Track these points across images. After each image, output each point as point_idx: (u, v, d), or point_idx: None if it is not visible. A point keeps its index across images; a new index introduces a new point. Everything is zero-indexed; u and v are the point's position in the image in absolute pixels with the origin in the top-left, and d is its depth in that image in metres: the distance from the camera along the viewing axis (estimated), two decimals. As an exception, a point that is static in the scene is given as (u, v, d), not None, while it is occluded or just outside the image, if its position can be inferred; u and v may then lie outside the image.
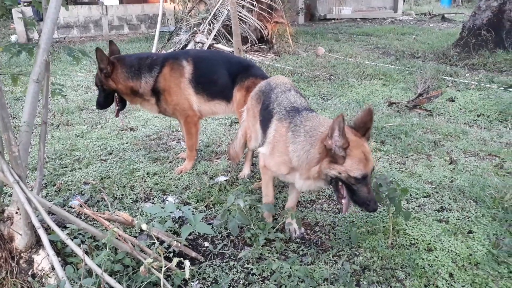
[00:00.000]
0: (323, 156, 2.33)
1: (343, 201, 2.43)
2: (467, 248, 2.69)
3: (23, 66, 8.83)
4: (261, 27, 9.81)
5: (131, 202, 3.36)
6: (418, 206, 3.24)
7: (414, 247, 2.73)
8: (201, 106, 3.87)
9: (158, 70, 3.73)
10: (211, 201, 3.39)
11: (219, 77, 3.81)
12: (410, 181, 3.57)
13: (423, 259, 2.60)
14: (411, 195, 3.37)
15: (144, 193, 3.53)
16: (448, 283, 2.40)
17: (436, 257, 2.62)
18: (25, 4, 13.33)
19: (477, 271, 2.48)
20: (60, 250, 2.55)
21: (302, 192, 3.41)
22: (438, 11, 20.23)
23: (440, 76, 7.27)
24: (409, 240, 2.80)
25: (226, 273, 2.55)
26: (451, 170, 3.80)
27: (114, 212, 2.64)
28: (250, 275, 2.53)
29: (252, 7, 9.74)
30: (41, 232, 2.04)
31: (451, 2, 24.83)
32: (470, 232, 2.87)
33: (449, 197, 3.33)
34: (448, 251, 2.67)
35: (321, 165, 2.35)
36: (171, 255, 2.64)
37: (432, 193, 3.41)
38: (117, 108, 3.97)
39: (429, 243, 2.75)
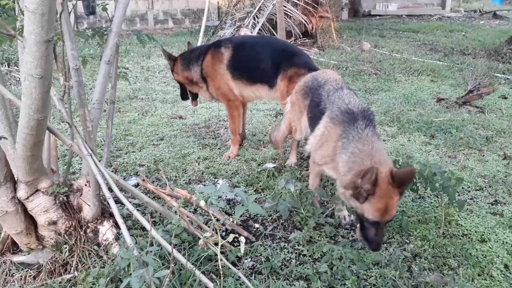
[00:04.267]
0: (350, 187, 2.39)
1: (358, 226, 2.50)
2: (524, 241, 2.64)
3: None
4: (305, 21, 9.79)
5: (185, 184, 3.50)
6: (471, 199, 3.19)
7: (467, 238, 2.71)
8: (242, 91, 3.98)
9: (202, 58, 4.01)
10: (260, 186, 3.48)
11: (260, 63, 3.87)
12: (462, 174, 3.52)
13: (476, 249, 2.58)
14: (463, 187, 3.33)
15: (196, 175, 3.68)
16: (504, 274, 2.38)
17: (490, 248, 2.59)
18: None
19: (534, 263, 2.44)
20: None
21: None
22: (489, 8, 19.41)
23: (491, 73, 7.02)
24: (461, 231, 2.78)
25: (278, 253, 2.63)
26: (505, 166, 3.71)
27: (173, 190, 2.78)
28: (301, 256, 2.60)
29: (297, 1, 9.75)
30: (111, 202, 2.19)
31: (503, -1, 23.74)
32: (526, 226, 2.81)
33: (503, 191, 3.27)
34: (503, 243, 2.64)
35: (345, 192, 2.44)
36: (223, 234, 2.76)
37: (485, 187, 3.35)
38: (189, 97, 4.37)
39: (483, 235, 2.72)
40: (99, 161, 2.39)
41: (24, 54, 1.73)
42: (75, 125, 2.35)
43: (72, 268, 2.40)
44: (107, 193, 2.19)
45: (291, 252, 2.64)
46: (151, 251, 2.20)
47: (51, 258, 2.45)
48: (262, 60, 3.85)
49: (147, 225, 2.18)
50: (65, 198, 2.50)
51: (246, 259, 2.57)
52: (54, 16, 1.67)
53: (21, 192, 2.30)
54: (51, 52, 1.75)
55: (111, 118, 2.54)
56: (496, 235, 2.71)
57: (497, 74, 7.10)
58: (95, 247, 2.52)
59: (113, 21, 2.39)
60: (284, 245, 2.71)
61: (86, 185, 2.56)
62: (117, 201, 2.45)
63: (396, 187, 2.30)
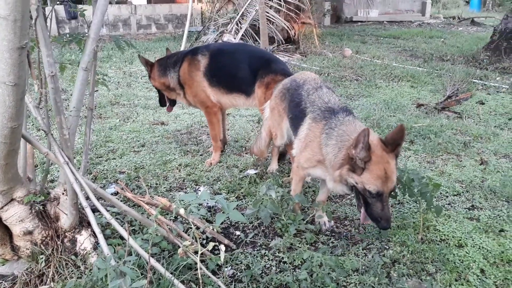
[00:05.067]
0: (345, 163, 2.39)
1: (361, 210, 2.48)
2: (499, 245, 2.69)
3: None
4: (288, 27, 9.87)
5: (165, 191, 3.47)
6: (448, 204, 3.24)
7: (445, 243, 2.75)
8: (219, 98, 3.98)
9: (179, 65, 4.01)
10: (242, 193, 3.47)
11: (237, 71, 3.87)
12: (440, 180, 3.58)
13: (453, 254, 2.62)
14: (441, 193, 3.38)
15: (177, 183, 3.65)
16: (480, 279, 2.42)
17: (467, 253, 2.63)
18: (58, 3, 13.69)
19: (509, 268, 2.49)
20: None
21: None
22: (467, 15, 19.86)
23: (469, 79, 7.18)
24: (439, 236, 2.82)
25: (258, 260, 2.62)
26: (481, 171, 3.79)
27: (152, 197, 2.75)
28: (281, 263, 2.60)
29: (279, 7, 9.82)
30: (88, 211, 2.16)
31: (480, 6, 24.37)
32: (501, 230, 2.87)
33: (480, 196, 3.33)
34: (479, 248, 2.68)
35: (341, 171, 2.42)
36: (204, 242, 2.74)
37: (463, 192, 3.41)
38: (168, 104, 4.37)
39: (460, 240, 2.77)
40: (78, 169, 2.36)
41: (-3, 61, 1.70)
42: (52, 132, 2.31)
43: (49, 279, 2.35)
44: (84, 202, 2.16)
45: (272, 260, 2.63)
46: (129, 261, 2.18)
47: (27, 269, 2.39)
48: (239, 69, 3.85)
49: (125, 234, 2.15)
50: (41, 207, 2.45)
51: (226, 267, 2.55)
52: (27, 22, 1.65)
53: (-5, 202, 2.25)
54: (25, 59, 1.72)
55: (89, 125, 2.50)
56: (473, 240, 2.76)
57: (474, 80, 7.26)
58: (73, 257, 2.47)
59: (90, 27, 2.35)
60: (265, 253, 2.70)
61: (63, 193, 2.51)
62: (96, 209, 2.41)
63: (390, 151, 2.32)
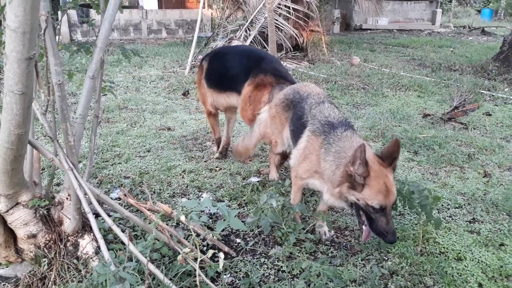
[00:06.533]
0: (344, 180, 2.40)
1: (363, 227, 2.49)
2: (498, 260, 2.69)
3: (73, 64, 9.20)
4: (296, 35, 9.91)
5: (168, 197, 3.52)
6: (449, 217, 3.25)
7: (444, 256, 2.76)
8: (215, 99, 4.15)
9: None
10: (244, 200, 3.51)
11: (229, 70, 3.97)
12: (442, 192, 3.58)
13: (452, 267, 2.62)
14: (442, 205, 3.38)
15: (181, 189, 3.69)
16: (477, 293, 2.42)
17: (466, 266, 2.63)
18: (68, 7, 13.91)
19: (508, 282, 2.49)
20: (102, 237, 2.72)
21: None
22: (477, 24, 19.79)
23: (477, 90, 7.16)
24: (438, 249, 2.83)
25: (257, 268, 2.65)
26: (484, 183, 3.78)
27: (155, 204, 2.79)
28: (280, 272, 2.63)
29: (288, 15, 9.88)
30: (91, 217, 2.21)
31: (492, 15, 24.26)
32: (502, 244, 2.87)
33: (481, 209, 3.32)
34: (478, 262, 2.68)
35: (341, 188, 2.43)
36: (204, 248, 2.78)
37: (464, 205, 3.41)
38: None
39: (459, 253, 2.77)
40: (83, 173, 2.41)
41: (6, 71, 1.76)
42: (58, 139, 2.37)
43: (51, 282, 2.40)
44: (86, 208, 2.21)
45: (271, 268, 2.66)
46: (130, 266, 2.22)
47: (30, 272, 2.45)
48: (229, 68, 3.96)
49: (126, 240, 2.20)
50: (45, 211, 2.50)
51: (225, 274, 2.58)
52: (36, 34, 1.70)
53: (1, 205, 2.30)
54: (33, 69, 1.78)
55: (94, 132, 2.56)
56: (472, 253, 2.76)
57: (482, 91, 7.24)
58: (75, 261, 2.52)
59: (98, 37, 2.41)
60: (264, 261, 2.73)
61: (67, 198, 2.57)
62: (99, 214, 2.46)
63: (388, 165, 2.35)
